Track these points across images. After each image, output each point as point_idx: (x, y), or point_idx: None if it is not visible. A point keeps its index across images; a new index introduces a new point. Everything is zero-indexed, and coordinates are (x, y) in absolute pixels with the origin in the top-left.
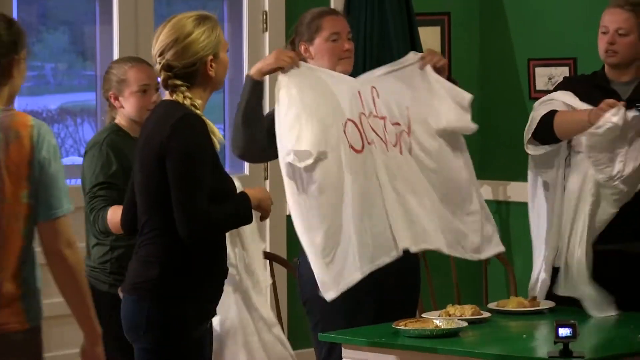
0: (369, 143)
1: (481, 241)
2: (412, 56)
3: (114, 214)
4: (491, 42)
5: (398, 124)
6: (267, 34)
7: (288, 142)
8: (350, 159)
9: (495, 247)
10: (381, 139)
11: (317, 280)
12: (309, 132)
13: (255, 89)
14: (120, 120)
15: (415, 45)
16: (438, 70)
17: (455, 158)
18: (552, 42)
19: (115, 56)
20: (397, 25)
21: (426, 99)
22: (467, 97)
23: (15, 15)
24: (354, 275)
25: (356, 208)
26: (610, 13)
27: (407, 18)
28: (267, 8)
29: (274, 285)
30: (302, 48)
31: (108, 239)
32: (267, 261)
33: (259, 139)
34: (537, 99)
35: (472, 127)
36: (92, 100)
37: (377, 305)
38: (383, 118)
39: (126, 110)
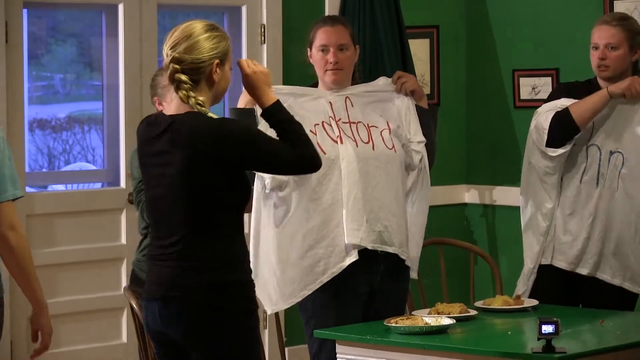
0: (334, 141)
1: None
2: (384, 81)
3: None
4: (478, 54)
5: (375, 126)
6: (264, 46)
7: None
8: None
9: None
10: (350, 138)
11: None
12: None
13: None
14: None
15: (406, 57)
16: (412, 93)
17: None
18: (536, 54)
19: (121, 67)
20: (389, 38)
21: (400, 115)
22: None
23: (25, 28)
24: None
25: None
26: (599, 30)
27: (398, 31)
28: (264, 21)
29: None
30: (308, 53)
31: (147, 230)
32: None
33: None
34: (522, 107)
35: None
36: (99, 109)
37: (366, 304)
38: (355, 123)
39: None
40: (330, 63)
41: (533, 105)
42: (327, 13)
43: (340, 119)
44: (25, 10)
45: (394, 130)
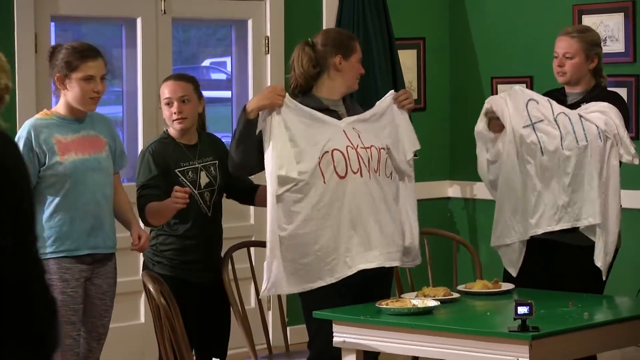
0: (354, 172)
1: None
2: (389, 97)
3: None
4: (460, 63)
5: (383, 148)
6: (268, 56)
7: (273, 168)
8: (332, 184)
9: (413, 261)
10: (366, 166)
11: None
12: (292, 161)
13: (248, 127)
14: (171, 128)
15: (395, 66)
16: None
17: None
18: (512, 63)
19: (139, 75)
20: (380, 48)
21: (396, 135)
22: (416, 145)
23: (53, 40)
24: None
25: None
26: (559, 40)
27: (388, 42)
28: (268, 33)
29: None
30: (337, 59)
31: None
32: None
33: (248, 164)
34: None
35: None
36: (120, 112)
37: (357, 289)
38: (369, 147)
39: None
40: (360, 74)
41: None
42: (324, 26)
43: (358, 145)
44: (53, 24)
45: (391, 151)
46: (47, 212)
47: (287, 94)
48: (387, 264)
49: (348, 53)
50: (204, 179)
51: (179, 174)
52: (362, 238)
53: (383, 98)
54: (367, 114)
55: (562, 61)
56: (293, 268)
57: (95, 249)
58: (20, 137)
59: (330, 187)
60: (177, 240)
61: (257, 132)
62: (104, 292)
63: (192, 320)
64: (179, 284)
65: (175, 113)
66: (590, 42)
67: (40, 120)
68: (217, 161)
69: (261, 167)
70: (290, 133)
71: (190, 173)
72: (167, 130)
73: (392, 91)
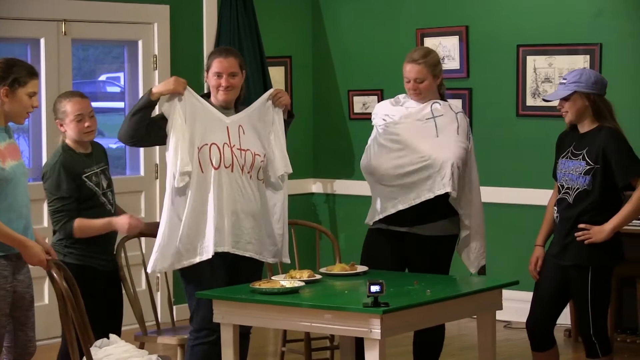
0: (225, 167)
1: (275, 253)
2: (267, 94)
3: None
4: (321, 78)
5: (259, 154)
6: (156, 72)
7: (172, 164)
8: (207, 174)
9: (284, 258)
10: (238, 165)
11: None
12: (184, 156)
13: (147, 105)
14: (68, 140)
15: (266, 80)
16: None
17: (275, 195)
18: (365, 78)
19: (43, 89)
20: (253, 64)
21: (273, 150)
22: (287, 168)
23: None
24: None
25: (192, 210)
26: (409, 67)
27: (260, 60)
28: (156, 52)
29: None
30: (205, 75)
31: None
32: None
33: (136, 136)
34: (355, 119)
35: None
36: (26, 121)
37: (229, 268)
38: (246, 150)
39: (69, 134)
40: (224, 86)
41: (364, 117)
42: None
43: (234, 145)
44: None
45: (267, 160)
46: None
47: (187, 86)
48: (240, 253)
49: (207, 68)
50: (104, 182)
51: (86, 179)
52: (226, 225)
53: (262, 96)
54: (249, 108)
55: (415, 85)
56: (171, 248)
57: None
58: None
59: (204, 176)
60: None
61: (157, 114)
62: (28, 285)
63: (99, 302)
64: (87, 271)
65: (88, 126)
66: (433, 63)
67: None
68: (107, 166)
69: (146, 143)
70: (187, 125)
71: (93, 177)
72: (66, 142)
73: (270, 89)
